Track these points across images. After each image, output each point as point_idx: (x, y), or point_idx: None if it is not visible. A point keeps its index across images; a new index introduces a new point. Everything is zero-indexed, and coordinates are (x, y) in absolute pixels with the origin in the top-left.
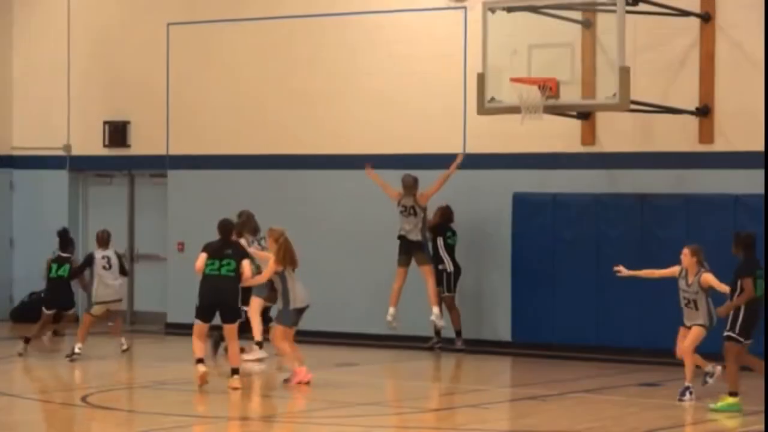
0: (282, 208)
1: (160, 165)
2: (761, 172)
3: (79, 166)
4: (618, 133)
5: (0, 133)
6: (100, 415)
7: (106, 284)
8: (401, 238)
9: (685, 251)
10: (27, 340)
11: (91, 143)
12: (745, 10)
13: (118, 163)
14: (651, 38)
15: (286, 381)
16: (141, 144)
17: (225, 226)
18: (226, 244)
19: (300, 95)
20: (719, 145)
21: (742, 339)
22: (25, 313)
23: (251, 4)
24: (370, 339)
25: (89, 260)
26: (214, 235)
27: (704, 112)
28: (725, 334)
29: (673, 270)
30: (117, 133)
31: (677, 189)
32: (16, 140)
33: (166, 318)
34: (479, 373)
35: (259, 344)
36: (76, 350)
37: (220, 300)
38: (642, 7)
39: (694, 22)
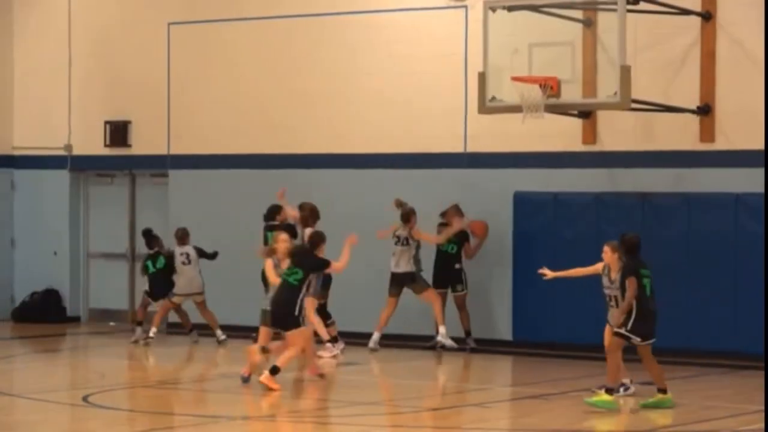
0: None
1: (160, 164)
2: (762, 171)
3: (80, 165)
4: (619, 132)
5: (1, 133)
6: (101, 414)
7: (187, 277)
8: (392, 274)
9: (606, 248)
10: (144, 327)
11: (92, 143)
12: (745, 8)
13: (118, 162)
14: (652, 37)
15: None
16: (142, 144)
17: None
18: (306, 254)
19: (300, 95)
20: (720, 144)
21: (632, 336)
22: (27, 313)
23: (251, 4)
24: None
25: (171, 256)
26: (216, 235)
27: (705, 110)
28: (615, 330)
29: (597, 267)
30: (118, 132)
31: (678, 188)
32: (17, 140)
33: (168, 317)
34: (480, 372)
35: (334, 339)
36: (150, 334)
37: (277, 307)
38: (643, 5)
39: (695, 21)
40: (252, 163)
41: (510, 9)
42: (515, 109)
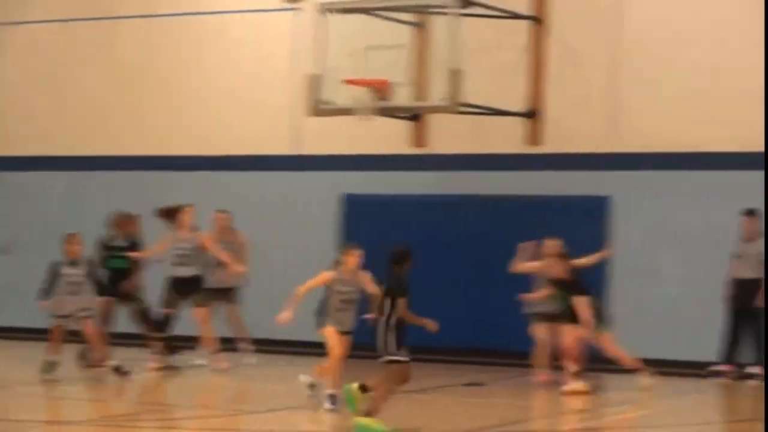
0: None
1: None
2: (589, 174)
3: None
4: (449, 135)
5: None
6: None
7: None
8: None
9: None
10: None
11: None
12: (575, 14)
13: None
14: (483, 41)
15: None
16: None
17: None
18: None
19: (128, 97)
20: (548, 147)
21: None
22: None
23: (83, 5)
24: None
25: None
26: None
27: (533, 114)
28: None
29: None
30: None
31: (507, 190)
32: None
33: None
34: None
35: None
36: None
37: None
38: (474, 9)
39: (525, 25)
40: (63, 165)
41: (343, 12)
42: (347, 111)
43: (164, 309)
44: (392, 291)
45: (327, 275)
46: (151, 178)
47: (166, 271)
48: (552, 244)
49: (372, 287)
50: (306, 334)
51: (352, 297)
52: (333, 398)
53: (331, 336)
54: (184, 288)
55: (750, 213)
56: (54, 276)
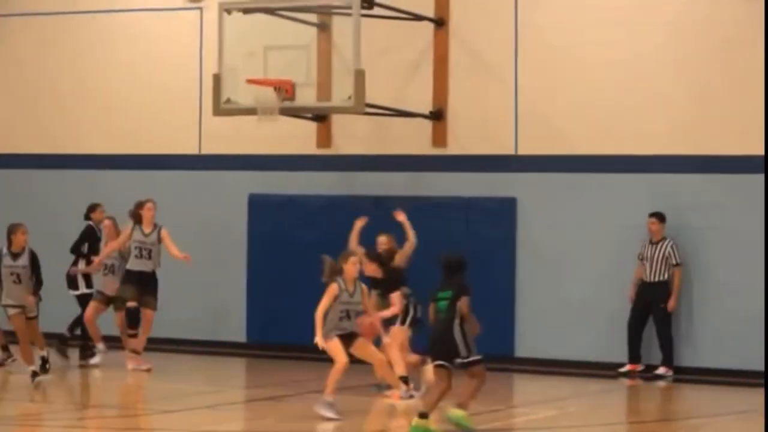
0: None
1: None
2: (494, 175)
3: None
4: (353, 136)
5: None
6: None
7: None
8: None
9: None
10: None
11: None
12: (477, 15)
13: None
14: (386, 42)
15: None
16: None
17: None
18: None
19: (31, 94)
20: (452, 149)
21: None
22: None
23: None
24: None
25: None
26: None
27: (437, 116)
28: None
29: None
30: None
31: (411, 191)
32: None
33: None
34: (214, 374)
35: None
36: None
37: None
38: (377, 10)
39: (428, 27)
40: None
41: (245, 11)
42: (250, 111)
43: (127, 302)
44: (458, 297)
45: (334, 288)
46: (55, 177)
47: (129, 265)
48: (382, 240)
49: (369, 301)
50: (208, 333)
51: (356, 308)
52: (330, 405)
53: (335, 347)
54: (142, 283)
55: (656, 216)
56: None
